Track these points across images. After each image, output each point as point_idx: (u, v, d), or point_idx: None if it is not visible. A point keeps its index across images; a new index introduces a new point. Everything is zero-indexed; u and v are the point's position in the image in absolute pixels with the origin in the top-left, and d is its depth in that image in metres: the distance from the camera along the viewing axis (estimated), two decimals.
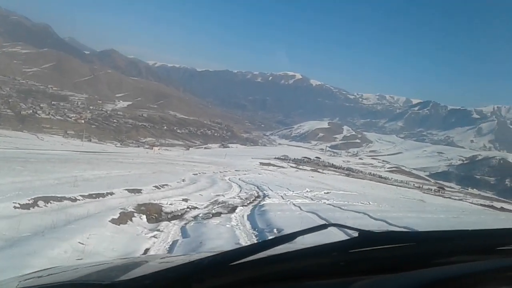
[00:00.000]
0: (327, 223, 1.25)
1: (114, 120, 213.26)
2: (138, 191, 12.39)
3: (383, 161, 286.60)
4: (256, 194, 15.72)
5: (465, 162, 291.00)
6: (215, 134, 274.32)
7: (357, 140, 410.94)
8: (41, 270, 1.59)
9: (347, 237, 1.06)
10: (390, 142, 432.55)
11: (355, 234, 1.12)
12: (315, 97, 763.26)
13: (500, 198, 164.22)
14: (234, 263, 0.98)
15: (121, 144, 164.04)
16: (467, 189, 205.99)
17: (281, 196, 15.01)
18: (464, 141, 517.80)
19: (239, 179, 29.03)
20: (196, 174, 27.87)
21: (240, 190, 17.37)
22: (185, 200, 11.10)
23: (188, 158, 78.53)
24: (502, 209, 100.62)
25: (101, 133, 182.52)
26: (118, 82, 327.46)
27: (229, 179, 26.86)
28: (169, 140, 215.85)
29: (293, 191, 18.74)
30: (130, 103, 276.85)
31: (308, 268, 1.03)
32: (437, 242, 1.16)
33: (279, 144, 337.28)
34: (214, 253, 1.11)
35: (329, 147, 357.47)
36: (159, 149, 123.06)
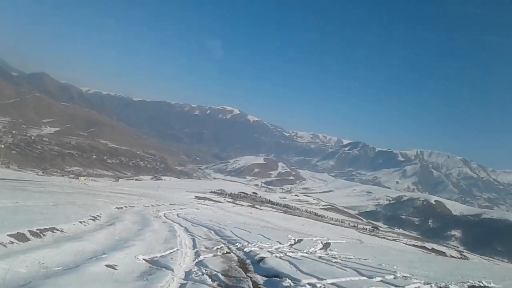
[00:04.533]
0: None
1: (39, 147, 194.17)
2: None
3: (317, 198, 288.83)
4: (236, 258, 7.98)
5: (391, 202, 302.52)
6: (148, 165, 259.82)
7: (291, 177, 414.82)
8: None
9: None
10: (322, 180, 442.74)
11: None
12: (252, 132, 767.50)
13: (427, 239, 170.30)
14: None
15: (43, 172, 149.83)
16: (394, 229, 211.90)
17: (291, 264, 7.46)
18: (390, 181, 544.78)
19: (177, 215, 23.00)
20: (121, 208, 20.51)
21: (194, 243, 9.59)
22: None
23: (116, 189, 69.30)
24: (433, 249, 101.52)
25: (23, 159, 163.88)
26: (46, 107, 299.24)
27: (165, 216, 20.32)
28: (97, 170, 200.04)
29: (281, 244, 11.31)
30: (58, 129, 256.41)
31: None
32: None
33: (214, 178, 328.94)
34: None
35: (264, 183, 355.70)
36: (85, 179, 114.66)
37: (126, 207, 22.28)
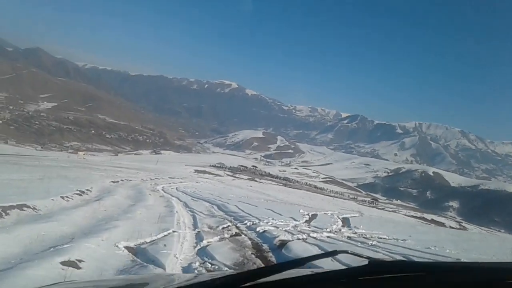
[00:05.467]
0: (337, 250, 1.20)
1: (36, 122, 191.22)
2: None
3: (316, 171, 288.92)
4: (249, 243, 6.29)
5: (390, 174, 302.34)
6: (147, 140, 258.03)
7: (290, 151, 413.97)
8: (46, 286, 1.53)
9: (357, 265, 1.05)
10: (321, 153, 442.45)
11: (365, 262, 1.11)
12: (251, 106, 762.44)
13: (426, 210, 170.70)
14: (244, 285, 0.93)
15: (42, 147, 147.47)
16: (392, 201, 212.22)
17: (323, 250, 5.83)
18: (388, 154, 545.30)
19: (176, 189, 21.42)
20: (117, 181, 19.00)
21: (195, 222, 7.98)
22: None
23: (115, 163, 68.07)
24: (432, 220, 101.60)
25: (21, 135, 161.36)
26: (43, 82, 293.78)
27: (163, 190, 18.70)
28: (96, 145, 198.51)
29: (296, 220, 9.71)
30: (55, 104, 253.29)
31: None
32: (447, 273, 1.14)
33: (213, 152, 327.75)
34: (224, 274, 1.09)
35: (263, 156, 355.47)
36: (84, 154, 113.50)
37: (122, 180, 20.68)
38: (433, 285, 1.07)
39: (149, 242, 5.25)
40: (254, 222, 8.16)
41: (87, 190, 12.36)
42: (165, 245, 5.00)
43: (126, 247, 4.71)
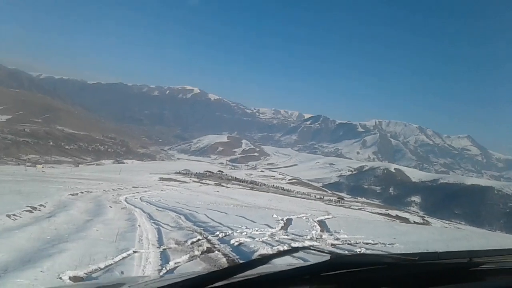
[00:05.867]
0: (299, 247, 1.23)
1: None
2: None
3: (282, 173, 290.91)
4: (224, 260, 5.46)
5: (353, 172, 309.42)
6: (109, 149, 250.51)
7: (256, 154, 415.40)
8: None
9: (320, 260, 1.04)
10: (286, 155, 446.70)
11: (327, 257, 1.10)
12: (214, 111, 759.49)
13: (390, 206, 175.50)
14: (207, 287, 0.94)
15: None
16: (357, 198, 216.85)
17: None
18: (351, 152, 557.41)
19: (140, 199, 20.37)
20: (76, 194, 18.05)
21: (159, 236, 7.10)
22: None
23: (76, 175, 65.08)
24: (397, 216, 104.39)
25: None
26: None
27: (125, 200, 17.84)
28: (55, 157, 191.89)
29: (271, 228, 8.97)
30: (10, 117, 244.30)
31: None
32: (409, 265, 1.14)
33: (178, 158, 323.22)
34: (186, 277, 1.09)
35: (229, 160, 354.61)
36: (42, 167, 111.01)
37: (82, 193, 19.55)
38: (394, 277, 1.08)
39: (103, 268, 4.34)
40: (227, 233, 7.36)
41: (41, 205, 11.32)
42: (122, 272, 4.10)
43: (73, 278, 3.79)
